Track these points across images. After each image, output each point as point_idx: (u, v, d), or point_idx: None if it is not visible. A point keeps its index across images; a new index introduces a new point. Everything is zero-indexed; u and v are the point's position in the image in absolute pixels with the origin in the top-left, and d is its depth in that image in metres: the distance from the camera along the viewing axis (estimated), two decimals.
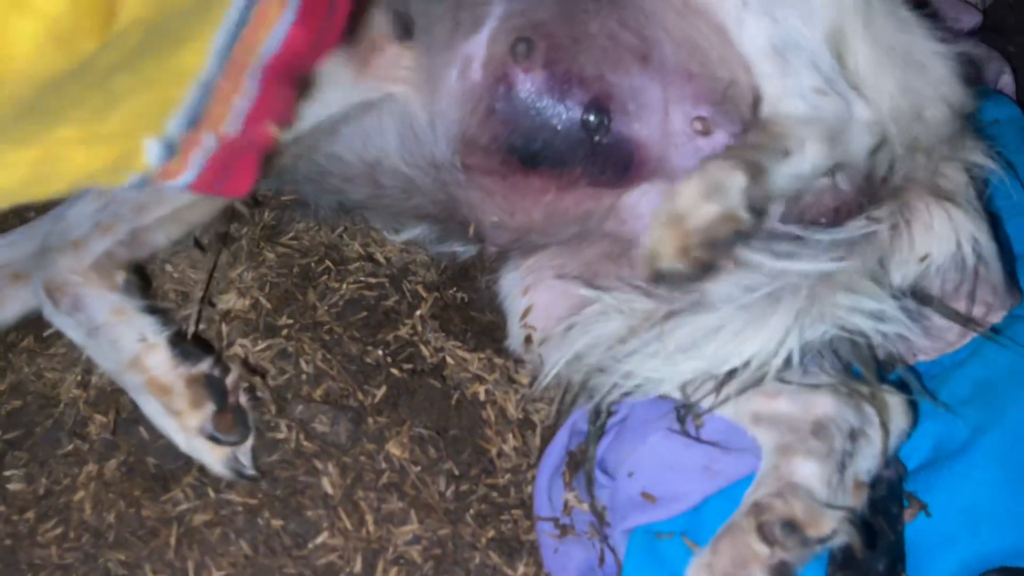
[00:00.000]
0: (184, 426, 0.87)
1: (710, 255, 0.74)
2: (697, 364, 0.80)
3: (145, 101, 0.51)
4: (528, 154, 0.88)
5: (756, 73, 0.83)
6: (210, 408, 0.86)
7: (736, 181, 0.75)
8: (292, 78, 0.57)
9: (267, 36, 0.53)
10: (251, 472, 0.88)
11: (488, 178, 0.89)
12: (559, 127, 0.87)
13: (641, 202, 0.92)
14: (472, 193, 0.91)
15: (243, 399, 0.90)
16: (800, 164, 0.79)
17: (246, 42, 0.52)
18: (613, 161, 0.88)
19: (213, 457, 0.87)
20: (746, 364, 0.79)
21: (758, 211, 0.76)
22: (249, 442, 0.88)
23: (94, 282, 0.86)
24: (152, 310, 0.89)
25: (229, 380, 0.89)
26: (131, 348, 0.86)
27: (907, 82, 0.87)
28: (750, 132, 0.82)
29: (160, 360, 0.86)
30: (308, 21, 0.54)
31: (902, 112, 0.87)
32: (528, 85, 0.86)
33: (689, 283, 0.77)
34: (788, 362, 0.79)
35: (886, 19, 0.87)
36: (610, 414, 0.88)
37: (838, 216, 0.88)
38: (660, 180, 0.91)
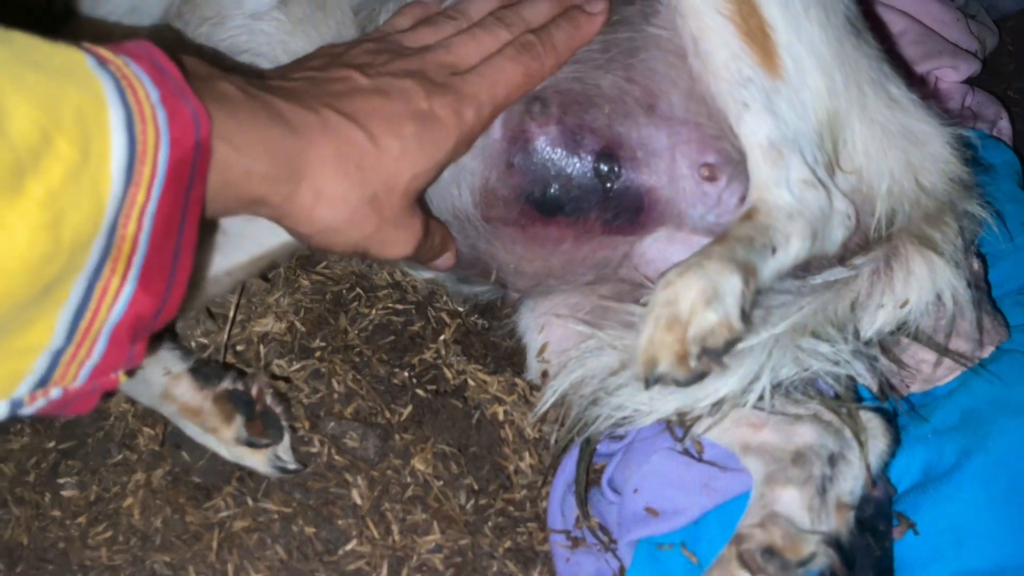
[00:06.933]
0: (222, 440, 0.95)
1: (706, 365, 0.75)
2: (679, 401, 0.83)
3: None
4: (546, 204, 0.91)
5: (748, 160, 0.84)
6: (240, 419, 0.94)
7: (732, 285, 0.76)
8: (139, 335, 0.60)
9: (111, 307, 0.55)
10: (294, 466, 0.95)
11: (509, 229, 0.93)
12: (573, 177, 0.90)
13: (652, 248, 0.95)
14: (493, 243, 0.95)
15: (272, 403, 0.97)
16: (784, 260, 0.81)
17: (92, 315, 0.55)
18: (625, 207, 0.91)
19: (256, 460, 0.95)
20: (722, 401, 0.82)
21: (747, 315, 0.77)
22: (286, 440, 0.96)
23: None
24: (175, 347, 0.98)
25: (253, 390, 0.97)
26: (160, 383, 0.96)
27: (907, 160, 0.88)
28: (738, 222, 0.83)
29: (185, 388, 0.95)
30: (151, 288, 0.57)
31: (904, 190, 0.88)
32: (543, 140, 0.90)
33: (679, 387, 0.77)
34: (762, 398, 0.82)
35: (879, 102, 0.88)
36: (598, 441, 0.92)
37: (843, 260, 0.90)
38: (671, 226, 0.94)
